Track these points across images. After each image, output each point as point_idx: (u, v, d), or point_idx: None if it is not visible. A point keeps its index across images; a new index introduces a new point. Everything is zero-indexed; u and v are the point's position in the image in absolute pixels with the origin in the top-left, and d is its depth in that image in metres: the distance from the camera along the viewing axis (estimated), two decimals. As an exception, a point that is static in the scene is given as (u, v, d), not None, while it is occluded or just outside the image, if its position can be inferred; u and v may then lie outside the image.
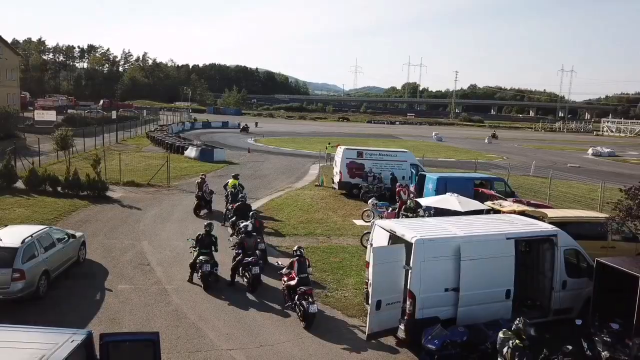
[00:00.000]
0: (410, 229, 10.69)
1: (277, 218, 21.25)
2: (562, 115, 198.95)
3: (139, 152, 41.50)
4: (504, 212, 15.14)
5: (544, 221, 13.14)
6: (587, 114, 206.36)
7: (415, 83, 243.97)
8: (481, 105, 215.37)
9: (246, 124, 73.50)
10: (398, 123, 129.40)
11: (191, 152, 38.89)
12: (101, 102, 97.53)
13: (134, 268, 14.59)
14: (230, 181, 21.56)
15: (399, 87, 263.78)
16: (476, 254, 10.32)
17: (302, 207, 23.53)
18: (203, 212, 21.41)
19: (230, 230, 17.98)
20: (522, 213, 14.82)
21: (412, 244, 10.07)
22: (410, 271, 10.03)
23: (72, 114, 62.09)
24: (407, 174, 26.48)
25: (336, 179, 26.88)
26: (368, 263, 11.68)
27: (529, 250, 12.22)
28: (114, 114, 61.03)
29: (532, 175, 36.85)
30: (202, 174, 23.09)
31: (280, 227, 19.70)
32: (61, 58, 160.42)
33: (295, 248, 12.43)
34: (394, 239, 10.86)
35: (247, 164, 37.88)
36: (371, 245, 11.61)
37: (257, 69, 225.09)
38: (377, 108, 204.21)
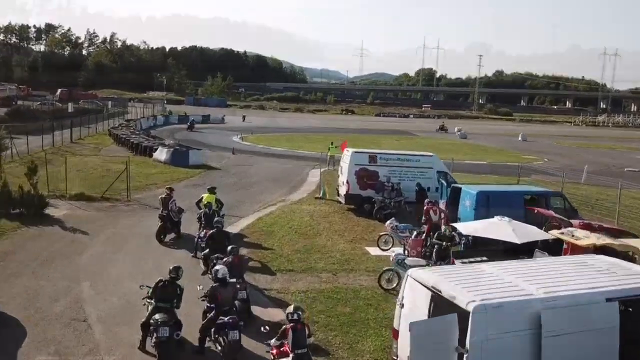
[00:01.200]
0: (464, 287, 8.25)
1: (266, 245, 18.79)
2: (605, 106, 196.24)
3: (97, 154, 39.10)
4: (580, 246, 12.72)
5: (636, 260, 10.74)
6: (633, 104, 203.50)
7: (432, 69, 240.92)
8: (509, 95, 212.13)
9: (192, 121, 66.56)
10: (412, 116, 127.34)
11: (161, 154, 36.50)
12: (58, 91, 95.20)
13: (64, 326, 12.12)
14: (205, 196, 19.13)
15: (412, 73, 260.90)
16: (565, 325, 7.88)
17: (299, 229, 21.10)
18: (169, 237, 18.94)
19: (202, 266, 15.55)
20: (603, 248, 12.43)
21: (468, 312, 7.64)
22: (466, 356, 7.60)
23: (20, 106, 59.67)
24: (433, 185, 24.12)
25: (342, 190, 24.46)
26: (396, 331, 9.27)
27: (631, 315, 9.40)
28: (70, 106, 58.70)
29: (583, 183, 34.51)
30: (169, 188, 20.41)
31: (270, 260, 17.25)
32: (14, 40, 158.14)
33: (289, 310, 9.87)
34: (438, 300, 8.42)
35: (231, 169, 35.49)
36: (401, 305, 9.20)
37: (245, 52, 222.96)
38: (387, 98, 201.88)
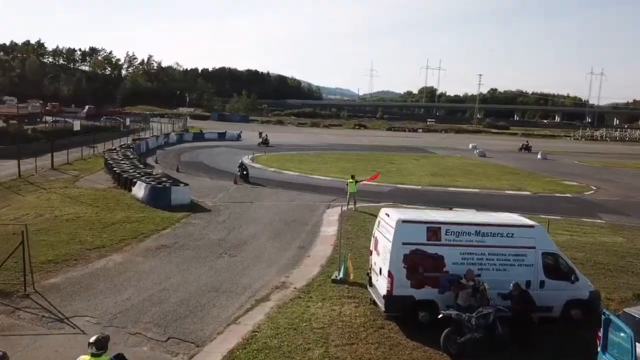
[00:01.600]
0: None
1: None
2: (590, 120, 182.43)
3: (70, 186, 27.12)
4: None
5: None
6: (615, 119, 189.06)
7: (433, 87, 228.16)
8: (504, 111, 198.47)
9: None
10: (421, 131, 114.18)
11: (139, 189, 24.38)
12: (86, 108, 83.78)
13: None
14: None
15: (415, 91, 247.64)
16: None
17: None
18: None
19: None
20: None
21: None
22: None
23: (12, 125, 47.90)
24: (536, 277, 11.74)
25: (381, 285, 11.94)
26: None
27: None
28: (77, 125, 46.86)
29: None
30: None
31: None
32: (61, 61, 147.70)
33: None
34: None
35: (224, 210, 23.22)
36: None
37: (268, 73, 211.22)
38: (394, 113, 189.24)
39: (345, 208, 23.44)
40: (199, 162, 40.03)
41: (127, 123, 63.12)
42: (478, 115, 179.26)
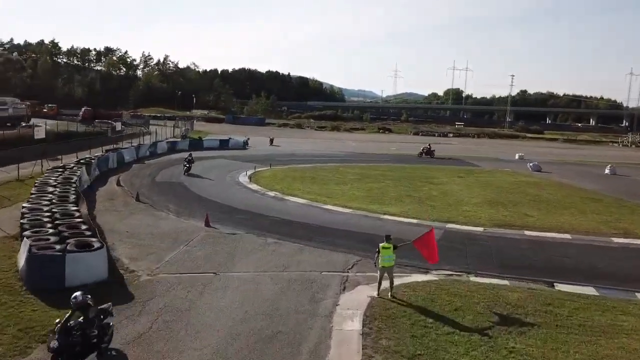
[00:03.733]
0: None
1: None
2: (628, 123, 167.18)
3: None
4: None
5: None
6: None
7: (459, 89, 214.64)
8: (533, 113, 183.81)
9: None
10: (451, 135, 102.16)
11: (22, 255, 13.93)
12: (82, 110, 74.60)
13: None
14: None
15: (440, 92, 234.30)
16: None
17: None
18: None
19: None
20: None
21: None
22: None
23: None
24: None
25: None
26: None
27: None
28: (41, 132, 37.20)
29: None
30: None
31: None
32: (75, 62, 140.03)
33: None
34: None
35: (147, 308, 12.26)
36: None
37: (289, 74, 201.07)
38: (418, 115, 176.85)
39: (375, 294, 12.76)
40: (178, 184, 29.64)
41: (118, 128, 53.27)
42: (508, 119, 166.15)
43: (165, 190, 27.54)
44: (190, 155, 34.42)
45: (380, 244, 13.20)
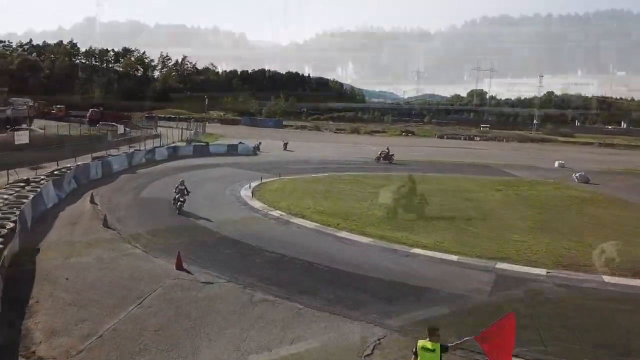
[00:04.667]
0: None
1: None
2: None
3: None
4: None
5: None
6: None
7: (482, 90, 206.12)
8: (560, 115, 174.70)
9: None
10: (478, 138, 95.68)
11: None
12: (89, 111, 70.77)
13: None
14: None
15: (463, 94, 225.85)
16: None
17: None
18: None
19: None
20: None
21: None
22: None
23: None
24: None
25: None
26: None
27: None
28: (24, 137, 32.85)
29: None
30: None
31: None
32: (94, 62, 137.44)
33: None
34: None
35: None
36: None
37: (309, 75, 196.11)
38: (441, 117, 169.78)
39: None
40: (165, 201, 24.64)
41: (120, 131, 48.94)
42: (535, 121, 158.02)
43: (146, 210, 22.61)
44: (182, 184, 22.74)
45: (419, 342, 7.85)
